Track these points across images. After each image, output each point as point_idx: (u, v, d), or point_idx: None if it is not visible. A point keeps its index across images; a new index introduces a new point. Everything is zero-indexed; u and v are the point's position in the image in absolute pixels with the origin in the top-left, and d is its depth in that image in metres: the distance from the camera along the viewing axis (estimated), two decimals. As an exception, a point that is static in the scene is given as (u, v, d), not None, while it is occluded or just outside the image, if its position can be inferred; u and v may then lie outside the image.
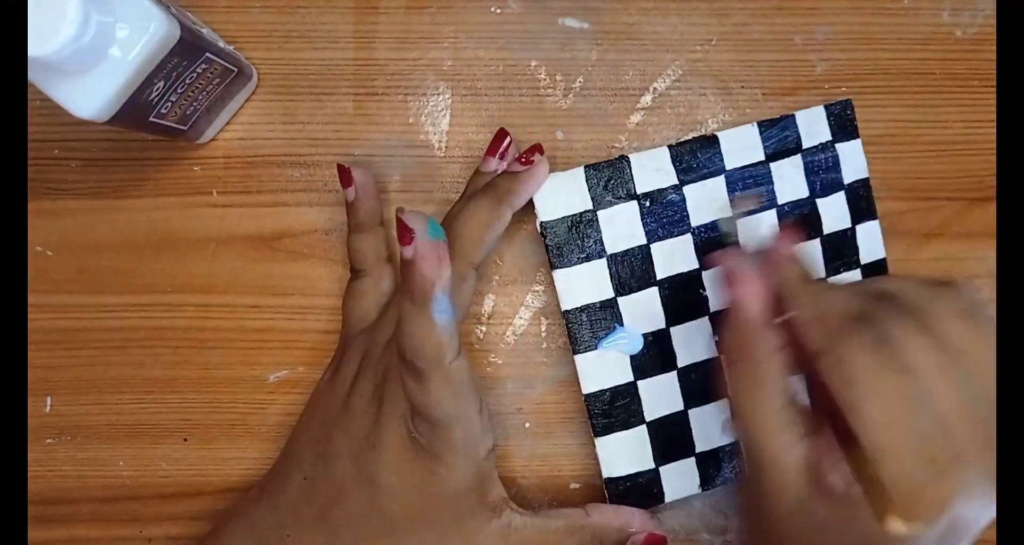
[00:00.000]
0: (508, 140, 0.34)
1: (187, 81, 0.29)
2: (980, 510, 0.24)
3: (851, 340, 0.25)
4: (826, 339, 0.26)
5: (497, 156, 0.33)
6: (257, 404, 0.36)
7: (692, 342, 0.34)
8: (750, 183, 0.34)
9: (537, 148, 0.33)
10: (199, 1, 0.35)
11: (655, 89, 0.36)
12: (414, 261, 0.27)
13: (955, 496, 0.24)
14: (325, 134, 0.35)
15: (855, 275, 0.35)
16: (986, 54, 0.36)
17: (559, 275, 0.34)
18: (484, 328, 0.36)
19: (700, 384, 0.34)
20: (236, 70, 0.32)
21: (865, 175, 0.35)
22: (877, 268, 0.35)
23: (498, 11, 0.35)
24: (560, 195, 0.33)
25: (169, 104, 0.29)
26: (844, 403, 0.25)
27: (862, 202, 0.35)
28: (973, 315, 0.26)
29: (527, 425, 0.36)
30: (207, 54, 0.29)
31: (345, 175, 0.33)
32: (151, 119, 0.29)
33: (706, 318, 0.34)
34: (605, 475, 0.34)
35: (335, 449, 0.30)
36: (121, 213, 0.35)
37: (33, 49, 0.23)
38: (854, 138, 0.35)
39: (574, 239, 0.34)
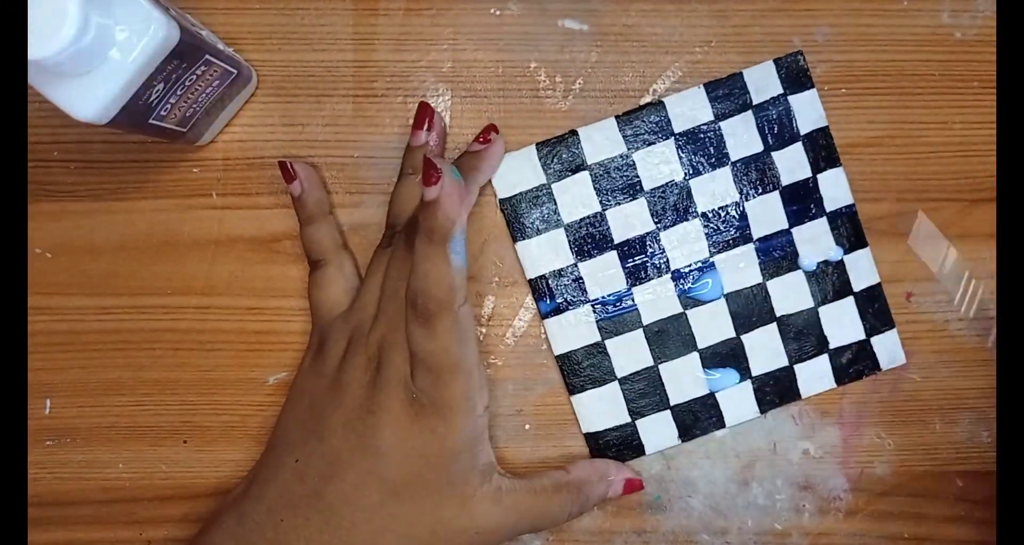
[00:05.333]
0: (431, 112, 0.34)
1: (187, 83, 0.29)
2: None
3: None
4: None
5: (424, 129, 0.34)
6: (257, 406, 0.36)
7: (655, 300, 0.35)
8: (702, 142, 0.35)
9: (492, 128, 0.34)
10: (198, 3, 0.35)
11: (655, 90, 0.36)
12: (439, 200, 0.28)
13: None
14: (324, 136, 0.35)
15: (822, 223, 0.35)
16: (985, 55, 0.36)
17: (521, 247, 0.35)
18: (484, 330, 0.36)
19: (667, 340, 0.35)
20: (236, 72, 0.32)
21: (824, 124, 0.35)
22: (845, 215, 0.35)
23: (497, 13, 0.35)
24: (515, 173, 0.35)
25: (169, 106, 0.29)
26: None
27: (822, 151, 0.35)
28: None
29: (527, 427, 0.36)
30: (207, 56, 0.29)
31: (287, 171, 0.33)
32: (150, 121, 0.29)
33: (667, 277, 0.35)
34: (584, 431, 0.36)
35: (329, 425, 0.31)
36: (120, 215, 0.35)
37: (33, 52, 0.23)
38: (808, 88, 0.35)
39: (531, 212, 0.35)
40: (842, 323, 0.36)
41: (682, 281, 0.35)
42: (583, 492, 0.33)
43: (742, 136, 0.35)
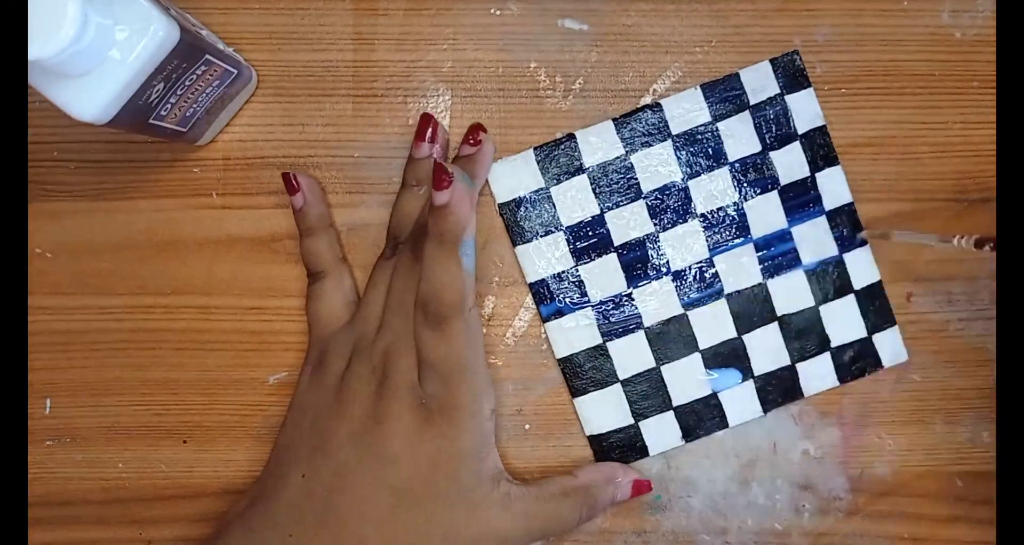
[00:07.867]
0: (434, 122, 0.34)
1: (187, 83, 0.29)
2: None
3: None
4: None
5: (427, 140, 0.34)
6: (257, 406, 0.36)
7: (655, 302, 0.36)
8: (700, 143, 0.35)
9: (479, 127, 0.34)
10: (199, 3, 0.35)
11: (655, 90, 0.36)
12: (450, 204, 0.29)
13: None
14: (324, 136, 0.35)
15: (821, 222, 0.35)
16: (985, 56, 0.36)
17: (520, 251, 0.35)
18: (484, 330, 0.36)
19: (668, 341, 0.36)
20: (236, 72, 0.32)
21: (821, 123, 0.35)
22: (844, 213, 0.36)
23: (497, 13, 0.35)
24: (514, 177, 0.35)
25: (169, 106, 0.29)
26: None
27: (820, 149, 0.35)
28: None
29: (527, 427, 0.36)
30: (207, 56, 0.29)
31: (290, 182, 0.33)
32: (151, 121, 0.29)
33: (668, 278, 0.35)
34: (588, 433, 0.36)
35: (334, 438, 0.30)
36: (120, 215, 0.35)
37: (33, 52, 0.23)
38: (805, 88, 0.35)
39: (531, 217, 0.35)
40: (843, 321, 0.36)
41: (682, 282, 0.36)
42: (591, 496, 0.33)
43: (740, 136, 0.35)
